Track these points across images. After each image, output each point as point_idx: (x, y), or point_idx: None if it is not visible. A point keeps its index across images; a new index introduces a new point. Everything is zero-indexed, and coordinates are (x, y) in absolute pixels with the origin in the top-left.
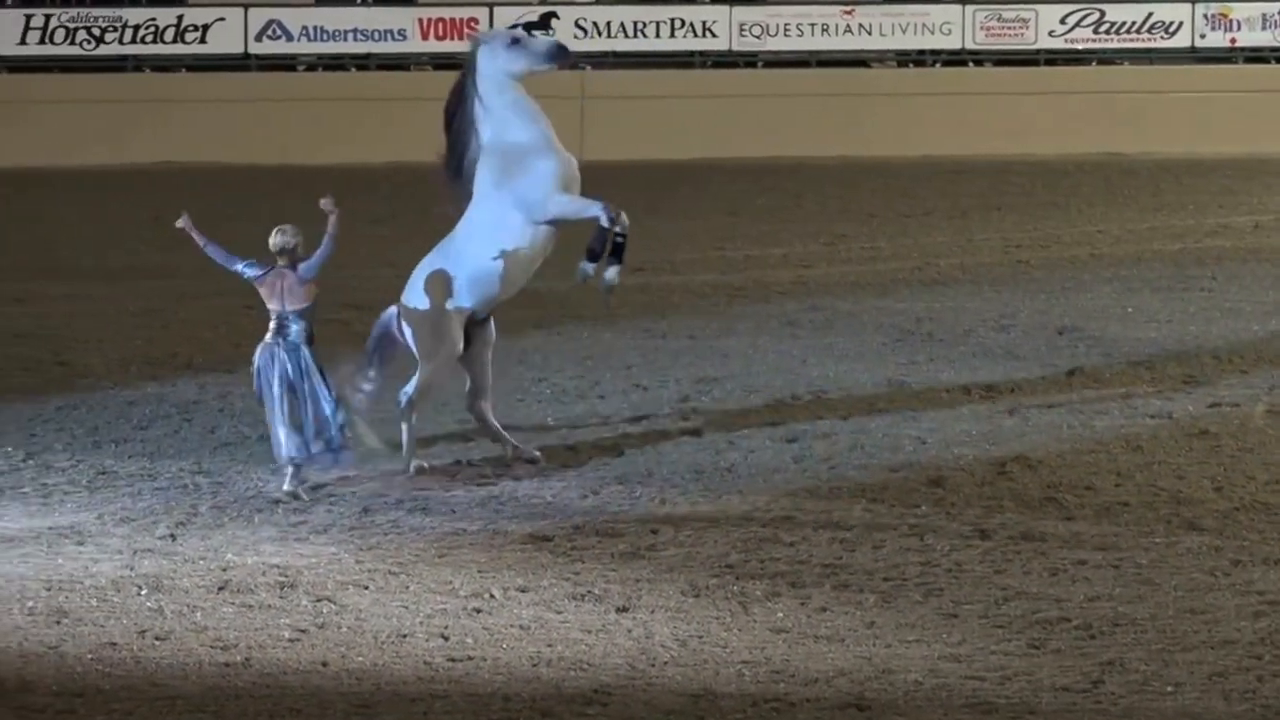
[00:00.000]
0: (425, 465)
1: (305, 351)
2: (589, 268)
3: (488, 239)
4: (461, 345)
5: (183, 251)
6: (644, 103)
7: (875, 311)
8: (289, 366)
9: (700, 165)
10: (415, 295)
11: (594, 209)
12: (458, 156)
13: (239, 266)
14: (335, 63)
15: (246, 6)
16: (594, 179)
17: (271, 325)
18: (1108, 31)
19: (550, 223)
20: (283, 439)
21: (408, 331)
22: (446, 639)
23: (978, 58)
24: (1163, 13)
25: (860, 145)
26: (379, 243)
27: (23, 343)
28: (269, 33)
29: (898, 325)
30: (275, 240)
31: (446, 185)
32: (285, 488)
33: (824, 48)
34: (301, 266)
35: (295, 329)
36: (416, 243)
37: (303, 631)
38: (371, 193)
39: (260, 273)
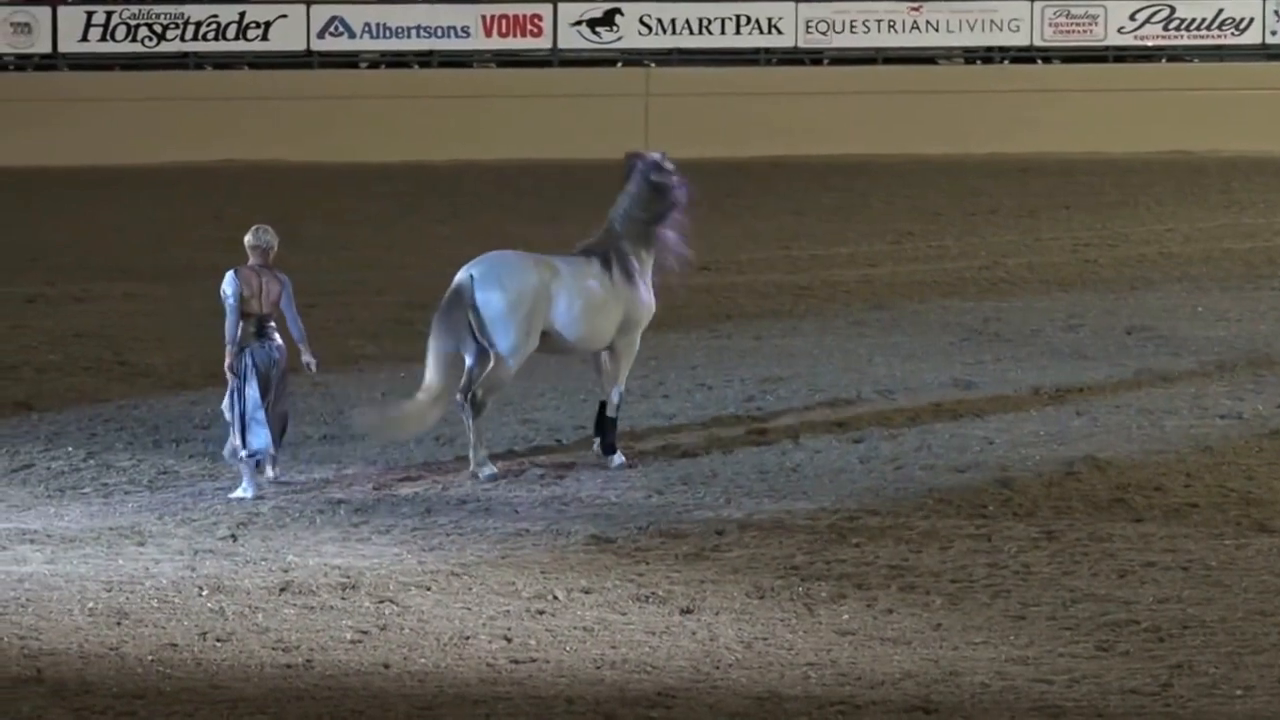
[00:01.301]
0: (496, 471)
1: (284, 362)
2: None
3: (603, 292)
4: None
5: (244, 252)
6: (709, 100)
7: (942, 311)
8: (274, 369)
9: (765, 163)
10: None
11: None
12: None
13: (230, 302)
14: (398, 60)
15: (309, 3)
16: None
17: (251, 329)
18: (1177, 28)
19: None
20: (255, 434)
21: (495, 322)
22: (509, 641)
23: (1046, 55)
24: (1233, 9)
25: (927, 143)
26: (442, 242)
27: (84, 342)
28: (331, 29)
29: (964, 324)
30: (253, 238)
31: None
32: (247, 493)
33: (890, 44)
34: (284, 279)
35: (274, 330)
36: (481, 242)
37: (364, 633)
38: (434, 191)
39: (235, 275)
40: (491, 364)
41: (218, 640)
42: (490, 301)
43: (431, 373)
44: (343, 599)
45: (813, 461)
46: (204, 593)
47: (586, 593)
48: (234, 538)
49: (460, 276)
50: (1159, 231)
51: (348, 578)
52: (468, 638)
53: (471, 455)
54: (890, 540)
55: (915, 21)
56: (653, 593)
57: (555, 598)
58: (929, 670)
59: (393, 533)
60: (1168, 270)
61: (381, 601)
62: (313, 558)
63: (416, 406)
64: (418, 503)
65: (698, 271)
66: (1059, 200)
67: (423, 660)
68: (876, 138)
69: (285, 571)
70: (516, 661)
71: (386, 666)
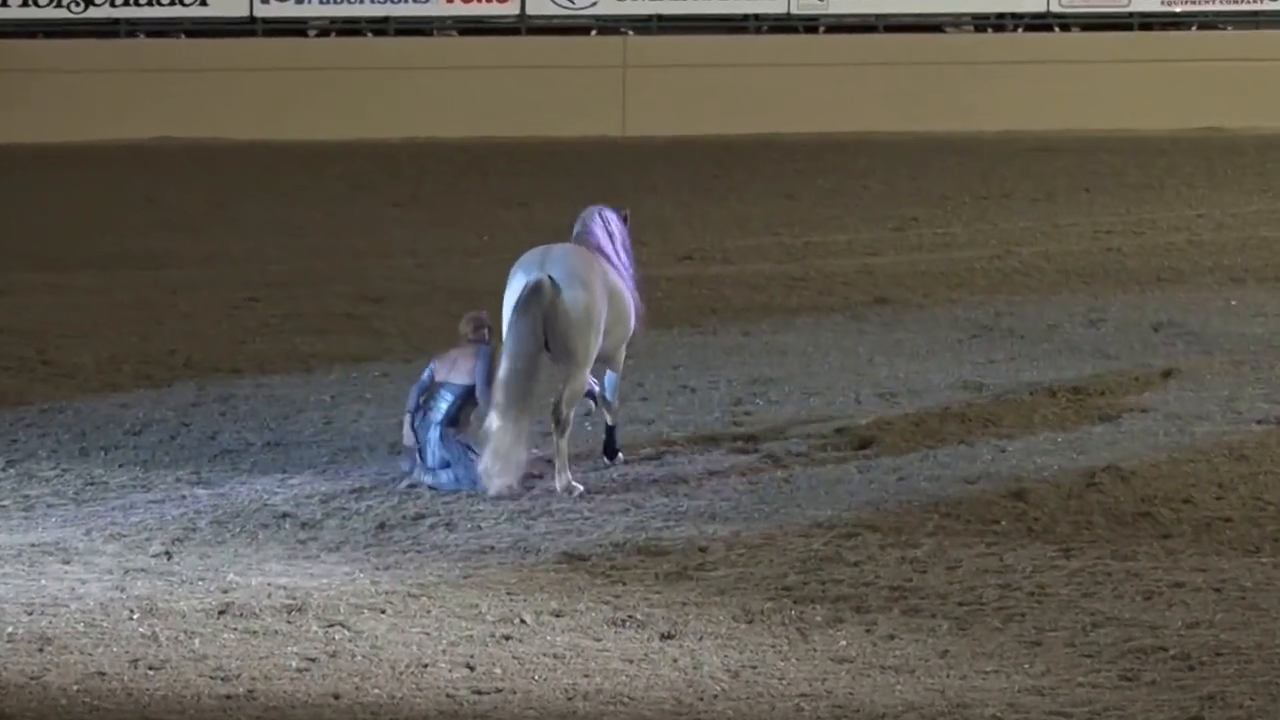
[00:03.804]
0: (584, 489)
1: (435, 431)
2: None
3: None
4: None
5: (182, 237)
6: (692, 72)
7: (949, 305)
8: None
9: (755, 141)
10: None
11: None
12: None
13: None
14: (350, 27)
15: None
16: (637, 157)
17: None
18: None
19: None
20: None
21: (578, 327)
22: (472, 669)
23: (1064, 22)
24: None
25: (933, 120)
26: (399, 227)
27: (3, 339)
28: None
29: (975, 320)
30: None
31: None
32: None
33: (892, 11)
34: (482, 350)
35: (438, 405)
36: (441, 229)
37: (312, 660)
38: (390, 172)
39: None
40: (567, 373)
41: (150, 668)
42: (577, 304)
43: (517, 383)
44: (288, 623)
45: (807, 471)
46: (135, 616)
47: (557, 616)
48: (168, 555)
49: (532, 276)
50: (1189, 217)
51: (294, 599)
52: (426, 665)
53: (558, 477)
54: (892, 559)
55: None
56: (630, 616)
57: (522, 622)
58: (935, 702)
59: (343, 550)
60: (1198, 260)
61: (331, 626)
62: (255, 577)
63: (507, 431)
64: (371, 517)
65: (680, 261)
66: (1078, 183)
67: (376, 691)
68: (877, 114)
69: (225, 592)
70: (480, 692)
71: (336, 697)
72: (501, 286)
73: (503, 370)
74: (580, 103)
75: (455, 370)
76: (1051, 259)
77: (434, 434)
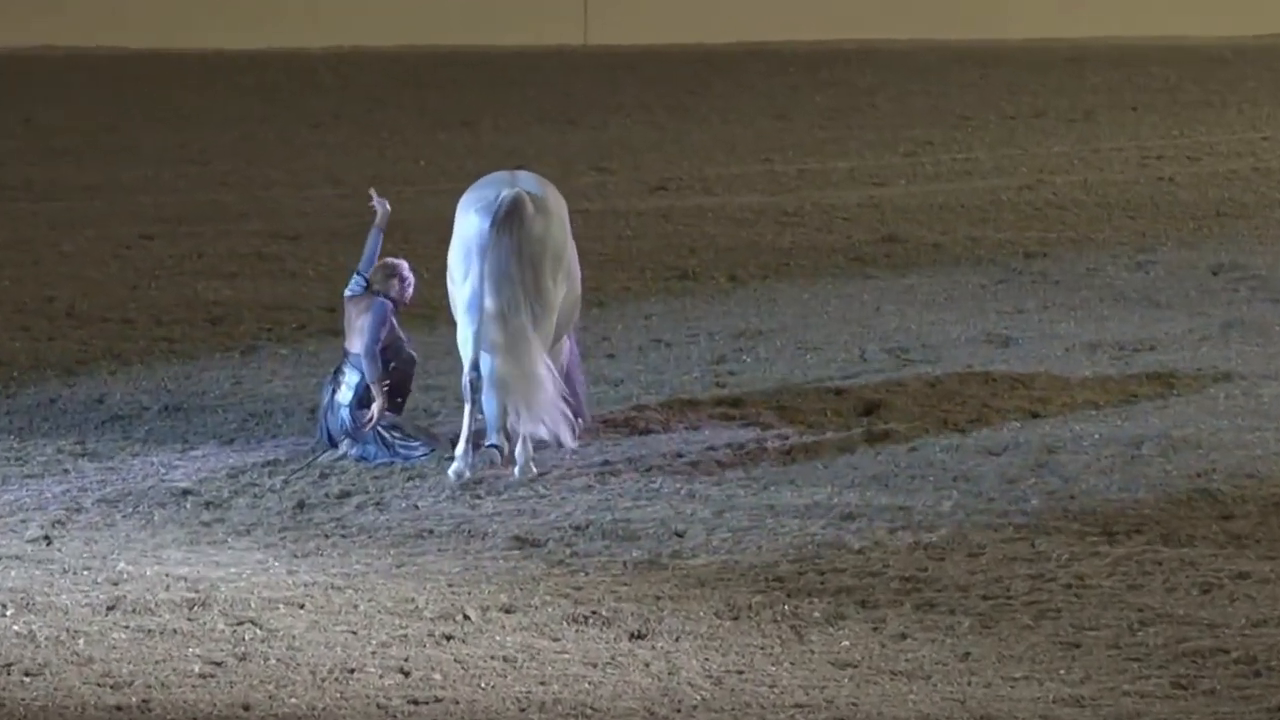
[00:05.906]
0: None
1: (345, 414)
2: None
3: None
4: None
5: (64, 164)
6: None
7: (970, 243)
8: (335, 422)
9: (740, 51)
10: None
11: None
12: None
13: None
14: None
15: None
16: (603, 70)
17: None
18: None
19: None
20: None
21: (552, 258)
22: (406, 674)
23: None
24: None
25: (951, 25)
26: (320, 152)
27: None
28: None
29: (1000, 262)
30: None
31: None
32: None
33: None
34: (376, 304)
35: (348, 380)
36: (369, 153)
37: (218, 664)
38: (310, 87)
39: (350, 293)
40: (529, 316)
41: (26, 674)
42: (552, 231)
43: (514, 315)
44: (189, 620)
45: (802, 441)
46: (9, 612)
47: (507, 612)
48: (48, 540)
49: (508, 191)
50: (1253, 140)
51: (196, 592)
52: (353, 670)
53: (519, 451)
54: (903, 544)
55: None
56: (594, 612)
57: (466, 618)
58: (954, 713)
59: (255, 533)
60: (1264, 191)
61: (240, 624)
62: (151, 566)
63: (519, 374)
64: (287, 495)
65: (652, 192)
66: (1123, 99)
67: (294, 700)
68: (884, 18)
69: (115, 584)
70: (416, 701)
71: (246, 708)
72: (442, 219)
73: (490, 303)
74: (535, 6)
75: (352, 334)
76: (1091, 190)
77: (345, 415)
